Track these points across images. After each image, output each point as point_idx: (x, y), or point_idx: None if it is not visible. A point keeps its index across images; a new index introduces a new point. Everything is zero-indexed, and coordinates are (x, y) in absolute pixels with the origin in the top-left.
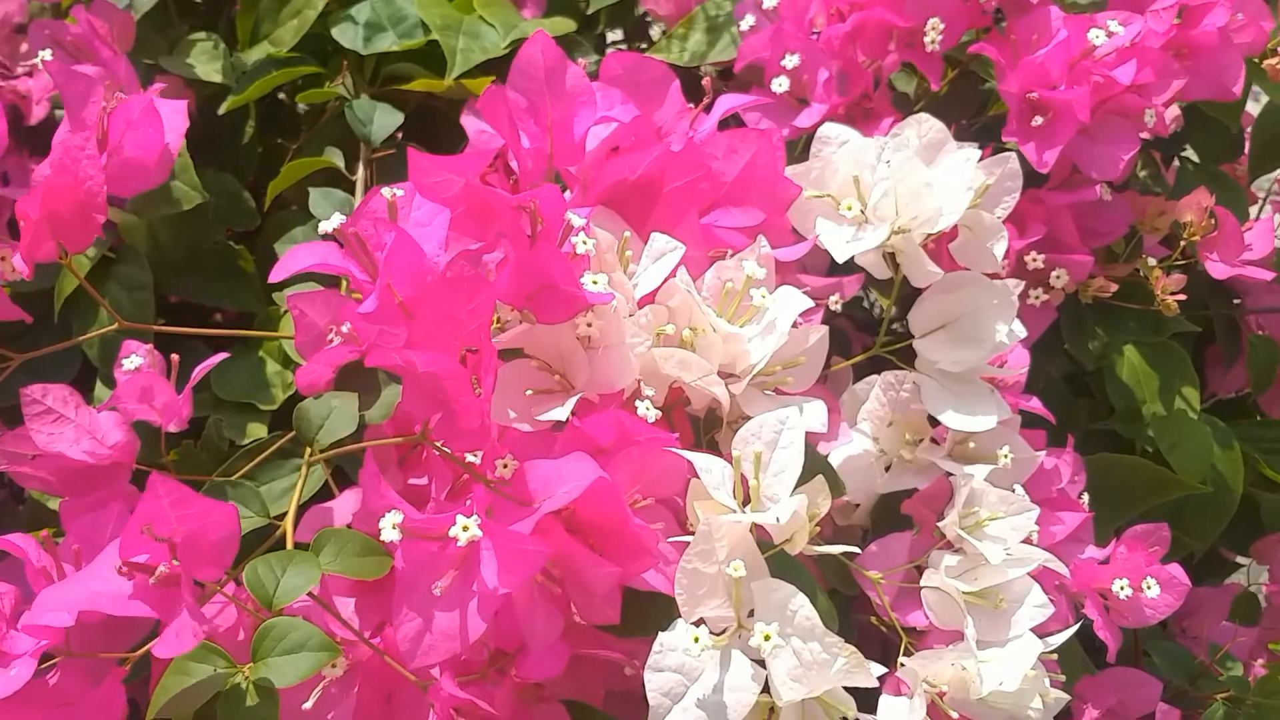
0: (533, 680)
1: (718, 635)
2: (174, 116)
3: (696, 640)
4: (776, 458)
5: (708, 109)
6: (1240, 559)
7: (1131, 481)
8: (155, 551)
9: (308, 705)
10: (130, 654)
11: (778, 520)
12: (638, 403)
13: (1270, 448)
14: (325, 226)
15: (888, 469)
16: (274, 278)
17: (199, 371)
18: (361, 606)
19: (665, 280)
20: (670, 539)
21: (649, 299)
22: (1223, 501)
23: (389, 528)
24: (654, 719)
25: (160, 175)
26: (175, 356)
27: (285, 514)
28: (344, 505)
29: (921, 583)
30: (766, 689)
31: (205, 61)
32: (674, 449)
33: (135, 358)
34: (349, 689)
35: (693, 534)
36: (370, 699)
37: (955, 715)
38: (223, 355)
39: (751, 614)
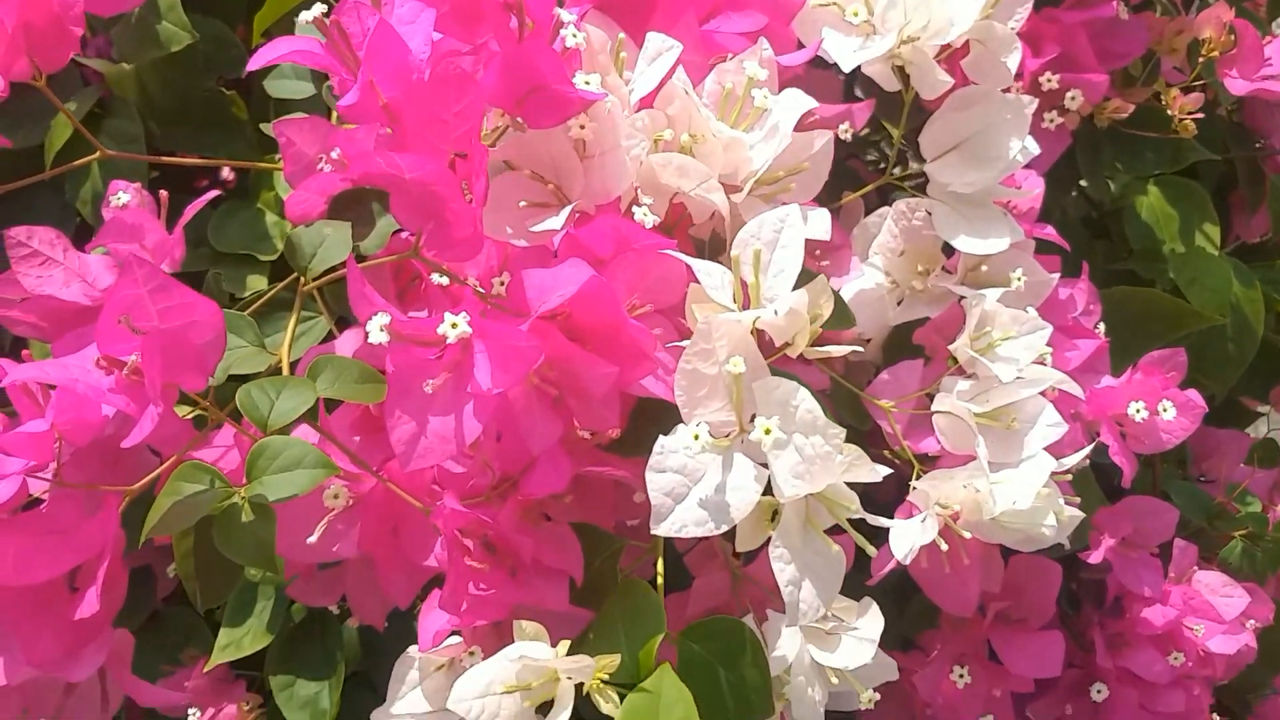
0: (537, 496)
1: (719, 439)
2: None
3: (696, 438)
4: (776, 257)
5: None
6: (1260, 409)
7: (1148, 315)
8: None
9: (312, 539)
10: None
11: (777, 314)
12: (635, 208)
13: None
14: (305, 16)
15: (899, 304)
16: (252, 66)
17: (192, 208)
18: (366, 444)
19: (662, 82)
20: (670, 344)
21: (646, 103)
22: (1243, 342)
23: (376, 330)
24: (656, 519)
25: None
26: (164, 193)
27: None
28: (345, 343)
29: (933, 408)
30: (769, 491)
31: None
32: (672, 252)
33: (123, 194)
34: (353, 523)
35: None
36: (376, 532)
37: (968, 535)
38: (212, 194)
39: (753, 419)
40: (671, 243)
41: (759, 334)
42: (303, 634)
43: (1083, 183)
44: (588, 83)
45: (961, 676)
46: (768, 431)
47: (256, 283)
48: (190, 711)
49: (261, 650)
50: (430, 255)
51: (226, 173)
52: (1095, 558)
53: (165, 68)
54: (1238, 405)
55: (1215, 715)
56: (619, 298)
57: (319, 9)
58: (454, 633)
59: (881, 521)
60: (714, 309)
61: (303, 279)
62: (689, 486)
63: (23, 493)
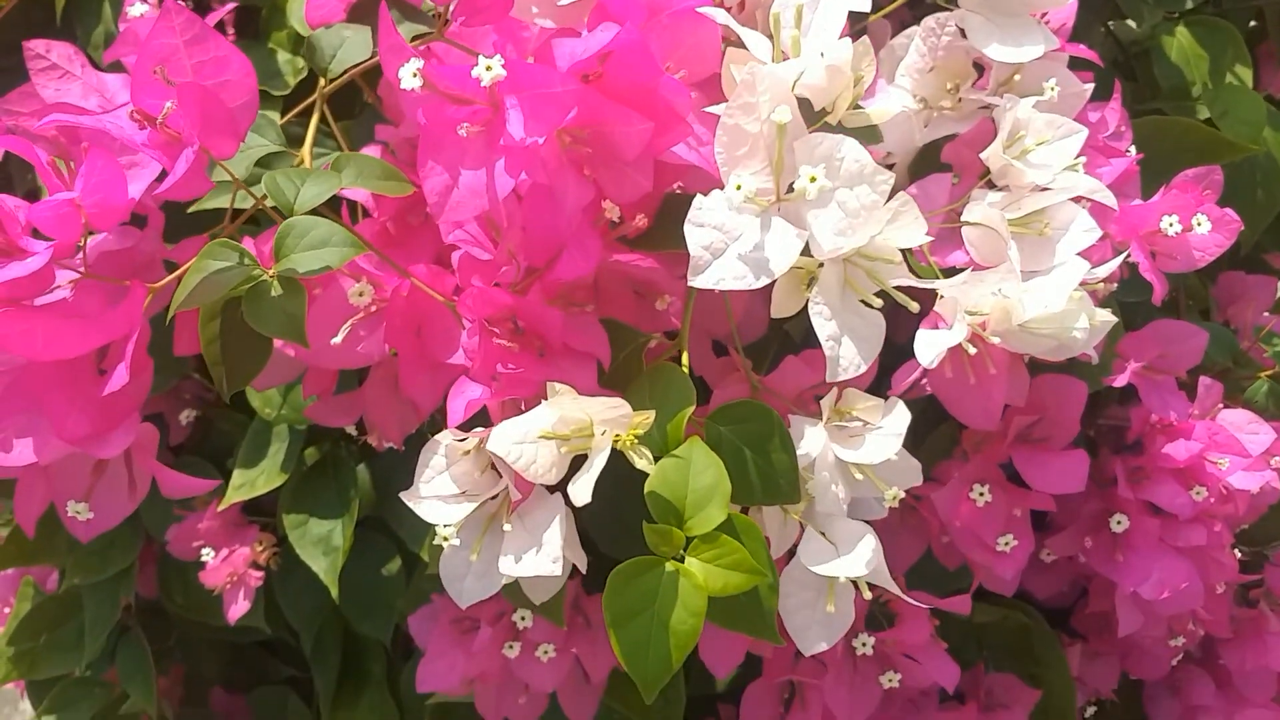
0: (566, 279)
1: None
2: None
3: (739, 188)
4: (818, 16)
5: None
6: None
7: (1181, 145)
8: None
9: (337, 340)
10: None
11: (823, 57)
12: None
13: None
14: None
15: (926, 126)
16: None
17: (214, 15)
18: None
19: None
20: (705, 108)
21: None
22: (1273, 187)
23: (409, 76)
24: (694, 270)
25: None
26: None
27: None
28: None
29: (963, 218)
30: (807, 254)
31: None
32: (709, 10)
33: (139, 4)
34: (375, 327)
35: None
36: (401, 330)
37: (997, 341)
38: (232, 3)
39: (791, 188)
40: (708, 0)
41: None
42: (316, 474)
43: (1112, 23)
44: None
45: (982, 495)
46: (813, 180)
47: (270, 118)
48: (204, 551)
49: (274, 495)
50: (463, 24)
51: None
52: (1120, 381)
53: None
54: (1261, 260)
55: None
56: (654, 57)
57: None
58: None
59: (923, 283)
60: (753, 62)
61: (322, 82)
62: (727, 243)
63: (49, 274)
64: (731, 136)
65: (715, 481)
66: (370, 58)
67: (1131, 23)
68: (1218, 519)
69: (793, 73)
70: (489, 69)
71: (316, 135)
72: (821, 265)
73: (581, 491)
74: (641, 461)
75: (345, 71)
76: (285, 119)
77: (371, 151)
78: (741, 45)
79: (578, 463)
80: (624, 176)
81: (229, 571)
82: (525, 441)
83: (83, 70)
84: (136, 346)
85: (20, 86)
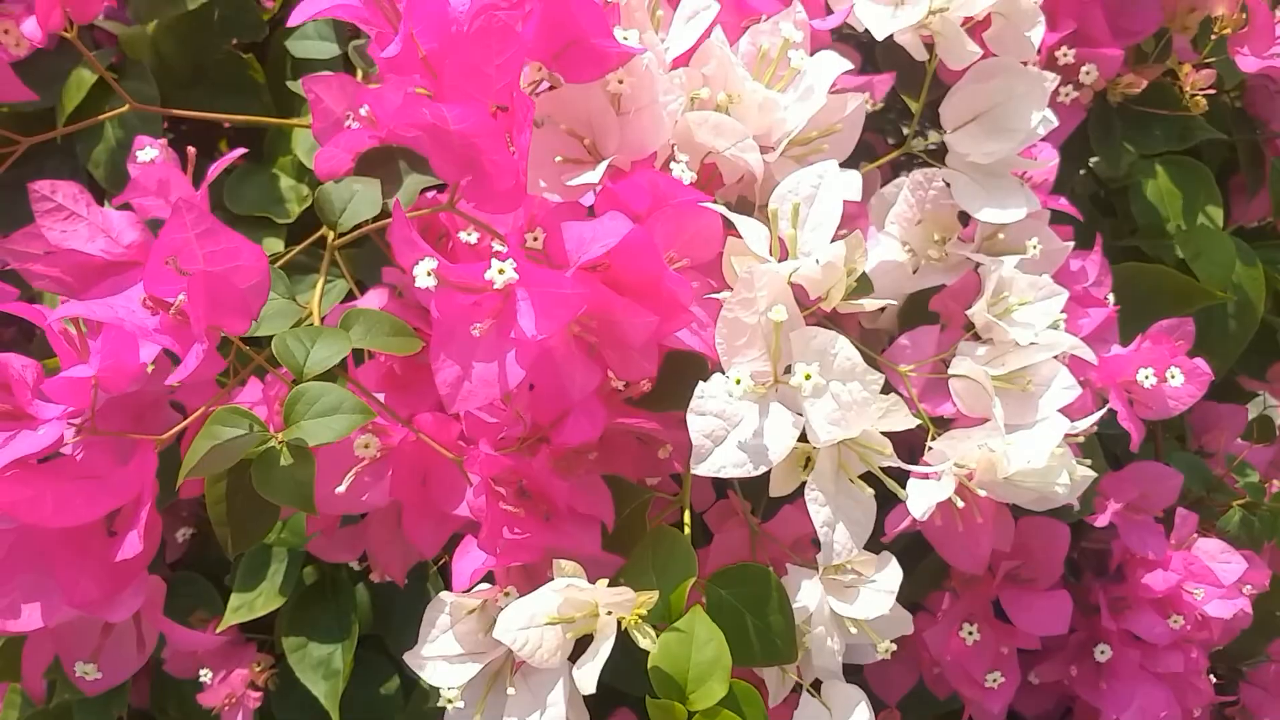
0: (571, 445)
1: (756, 386)
2: None
3: (738, 382)
4: (814, 212)
5: None
6: (1256, 390)
7: (1157, 290)
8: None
9: (341, 489)
10: (159, 436)
11: (818, 263)
12: (672, 164)
13: None
14: None
15: (915, 272)
16: (293, 22)
17: (217, 166)
18: (391, 401)
19: (699, 41)
20: (707, 295)
21: (681, 61)
22: (1244, 320)
23: (424, 274)
24: (696, 458)
25: None
26: (192, 149)
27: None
28: (369, 302)
29: (950, 371)
30: (803, 438)
31: None
32: (713, 205)
33: (150, 149)
34: (381, 474)
35: (730, 290)
36: (406, 481)
37: (983, 494)
38: (240, 151)
39: (789, 370)
40: (709, 196)
41: (794, 288)
42: (316, 596)
43: (1092, 161)
44: (626, 38)
45: (970, 634)
46: (808, 377)
47: (273, 245)
48: (202, 672)
49: (273, 615)
50: (469, 209)
51: None
52: (1102, 521)
53: (181, 29)
54: (1235, 384)
55: (1212, 677)
56: (659, 252)
57: None
58: (485, 579)
59: (911, 469)
60: (754, 260)
61: (331, 235)
62: (727, 430)
63: (60, 439)
64: (731, 329)
65: (717, 655)
66: (380, 213)
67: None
68: (1194, 644)
69: (789, 270)
70: (501, 272)
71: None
72: (816, 450)
73: (587, 679)
74: (645, 641)
75: (356, 227)
76: (291, 254)
77: (378, 294)
78: (737, 233)
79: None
80: (629, 359)
81: (227, 693)
82: (531, 627)
83: (88, 210)
84: (149, 507)
85: (26, 226)
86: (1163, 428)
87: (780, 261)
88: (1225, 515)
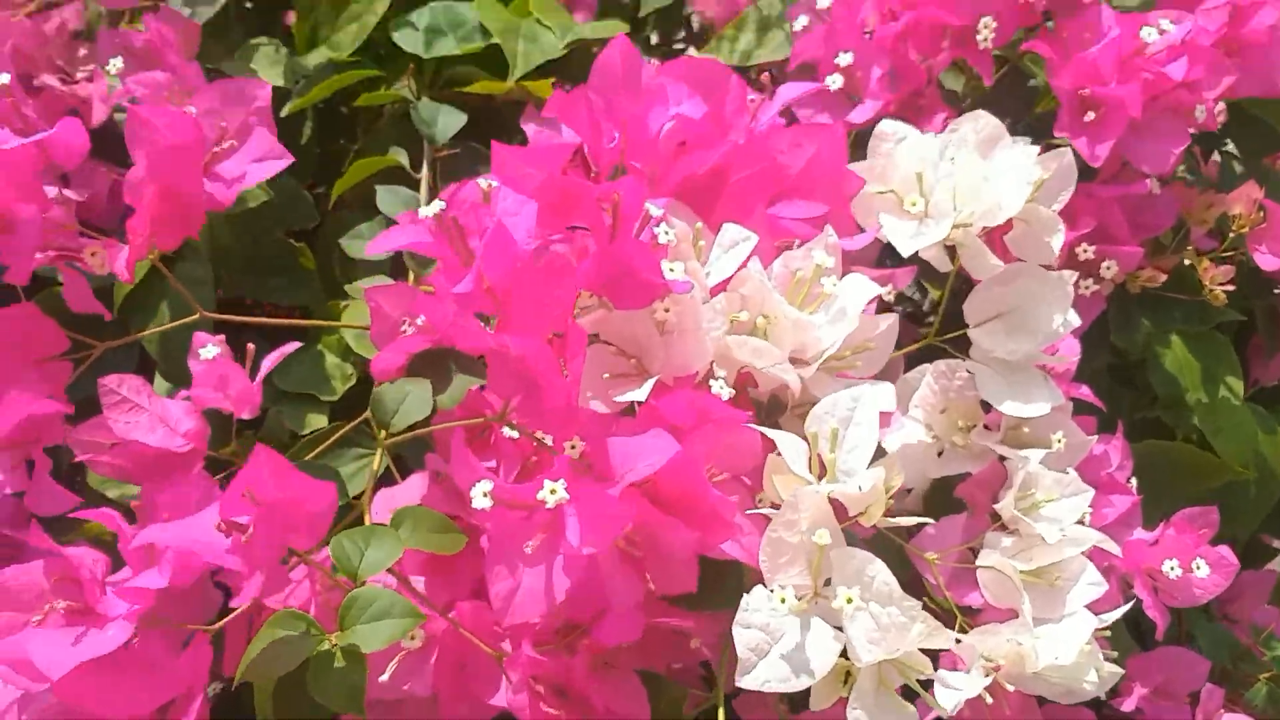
0: (610, 645)
1: (798, 601)
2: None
3: (783, 600)
4: (850, 434)
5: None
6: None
7: (1177, 468)
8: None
9: (384, 678)
10: (208, 626)
11: (860, 489)
12: (712, 382)
13: None
14: (426, 212)
15: (939, 455)
16: (370, 253)
17: (271, 361)
18: (431, 585)
19: (738, 270)
20: (747, 511)
21: (720, 287)
22: (1268, 486)
23: (480, 496)
24: (741, 671)
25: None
26: (251, 346)
27: (361, 494)
28: (411, 488)
29: (978, 562)
30: (844, 653)
31: (267, 66)
32: (753, 425)
33: (211, 347)
34: (425, 660)
35: (772, 507)
36: (445, 669)
37: (1011, 688)
38: (294, 345)
39: (828, 582)
40: (748, 415)
41: (833, 501)
42: None
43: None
44: (672, 270)
45: None
46: (849, 600)
47: (316, 420)
48: None
49: None
50: (520, 421)
51: None
52: (1129, 705)
53: (239, 220)
54: (1260, 543)
55: None
56: (703, 471)
57: (438, 206)
58: None
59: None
60: (794, 480)
61: (384, 433)
62: (770, 644)
63: (129, 638)
64: (775, 548)
65: None
66: (430, 413)
67: None
68: None
69: (828, 490)
70: (553, 493)
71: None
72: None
73: None
74: None
75: (408, 428)
76: (336, 436)
77: (420, 480)
78: (779, 453)
79: None
80: (671, 572)
81: None
82: None
83: (150, 401)
84: (200, 701)
85: (93, 419)
86: None
87: (819, 478)
88: (1253, 689)
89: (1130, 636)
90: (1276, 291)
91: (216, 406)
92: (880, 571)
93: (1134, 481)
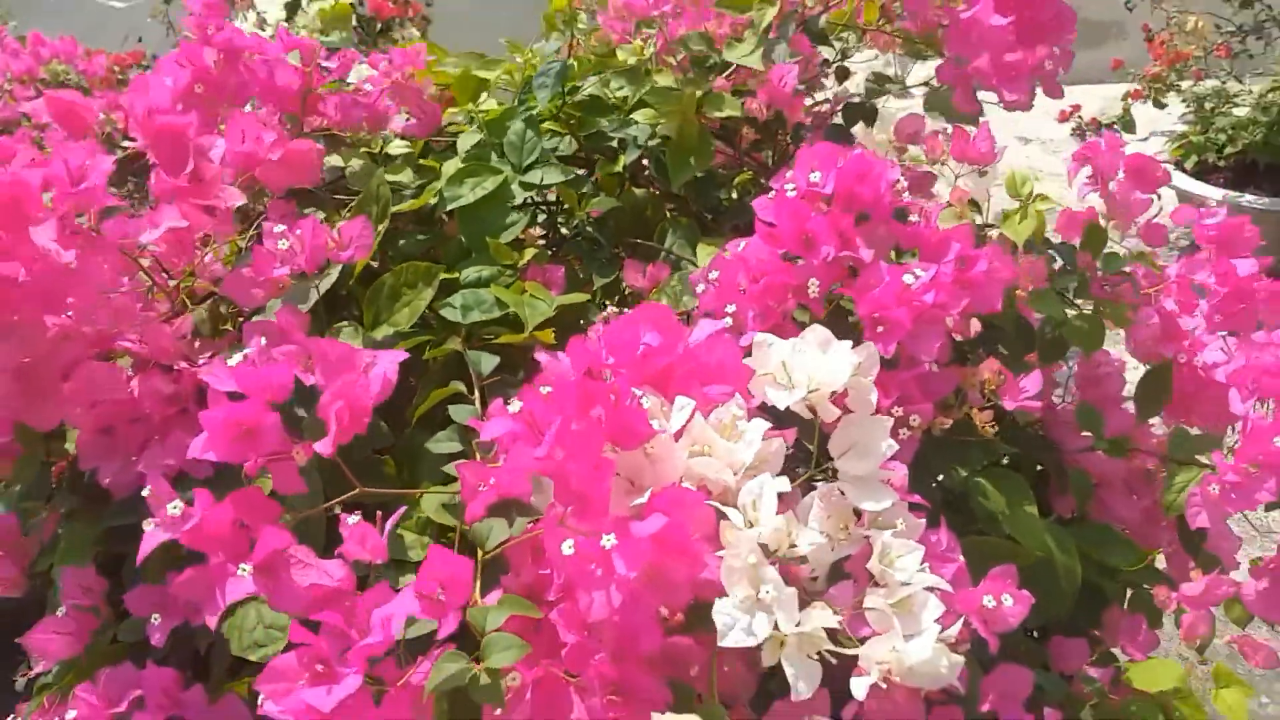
0: (641, 650)
1: (744, 600)
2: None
3: (740, 603)
4: (763, 502)
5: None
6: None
7: (994, 553)
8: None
9: (498, 711)
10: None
11: (773, 529)
12: (684, 482)
13: (1098, 539)
14: (512, 408)
15: (833, 549)
16: (485, 436)
17: (392, 520)
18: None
19: (687, 421)
20: (716, 553)
21: (679, 434)
22: (1066, 582)
23: (567, 547)
24: (721, 634)
25: None
26: (380, 514)
27: None
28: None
29: (865, 605)
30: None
31: (350, 338)
32: (713, 503)
33: (351, 518)
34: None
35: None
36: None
37: (898, 680)
38: (403, 508)
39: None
40: (706, 497)
41: (763, 546)
42: None
43: (940, 478)
44: (655, 423)
45: None
46: (771, 595)
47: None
48: None
49: None
50: (572, 524)
51: None
52: (984, 707)
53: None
54: (1076, 624)
55: None
56: (689, 530)
57: (517, 405)
58: None
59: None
60: (735, 531)
61: (480, 551)
62: (734, 623)
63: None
64: (729, 571)
65: None
66: (505, 539)
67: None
68: None
69: (755, 534)
70: (609, 540)
71: None
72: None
73: None
74: None
75: (495, 546)
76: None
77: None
78: (726, 517)
79: None
80: (676, 594)
81: None
82: None
83: (314, 559)
84: None
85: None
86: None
87: (750, 528)
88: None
89: (978, 665)
90: (1055, 449)
91: (357, 558)
92: (773, 578)
93: (961, 558)
